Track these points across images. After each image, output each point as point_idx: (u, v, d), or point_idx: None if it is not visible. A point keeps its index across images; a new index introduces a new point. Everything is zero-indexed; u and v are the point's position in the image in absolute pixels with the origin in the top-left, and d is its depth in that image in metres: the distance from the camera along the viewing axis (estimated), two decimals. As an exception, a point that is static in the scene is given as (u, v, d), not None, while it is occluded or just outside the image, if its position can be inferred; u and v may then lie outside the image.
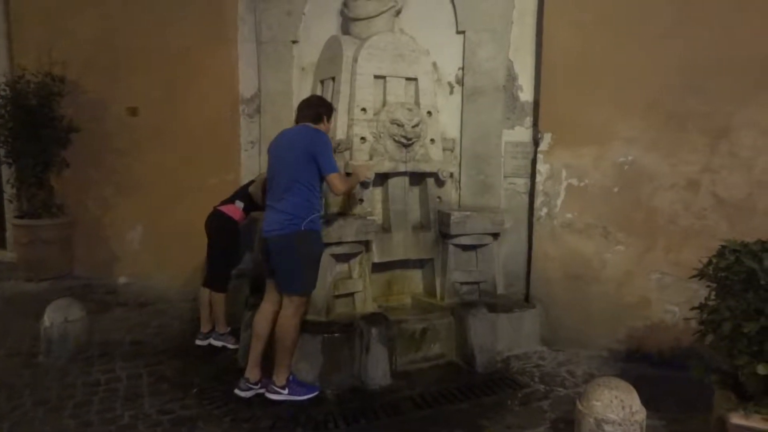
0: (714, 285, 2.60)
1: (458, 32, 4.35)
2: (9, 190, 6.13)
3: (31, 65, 5.67)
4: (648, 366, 3.74)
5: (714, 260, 2.56)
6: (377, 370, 3.42)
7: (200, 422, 3.04)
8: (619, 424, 2.46)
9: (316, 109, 3.38)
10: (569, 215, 4.03)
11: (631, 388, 2.58)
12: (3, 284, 5.63)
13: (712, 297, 2.60)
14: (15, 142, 5.60)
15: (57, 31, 5.81)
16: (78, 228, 5.95)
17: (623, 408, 2.48)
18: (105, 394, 3.34)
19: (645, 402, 2.60)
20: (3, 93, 5.57)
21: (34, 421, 3.02)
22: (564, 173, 4.01)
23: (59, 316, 3.83)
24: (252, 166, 5.02)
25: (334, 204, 4.02)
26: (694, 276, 2.64)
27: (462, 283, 4.16)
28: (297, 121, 3.41)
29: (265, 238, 3.26)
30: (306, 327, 3.54)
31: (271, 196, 3.27)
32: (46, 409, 3.14)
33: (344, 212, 4.01)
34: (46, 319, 3.82)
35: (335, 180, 3.21)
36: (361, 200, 4.06)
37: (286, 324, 3.23)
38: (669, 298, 3.75)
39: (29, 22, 6.04)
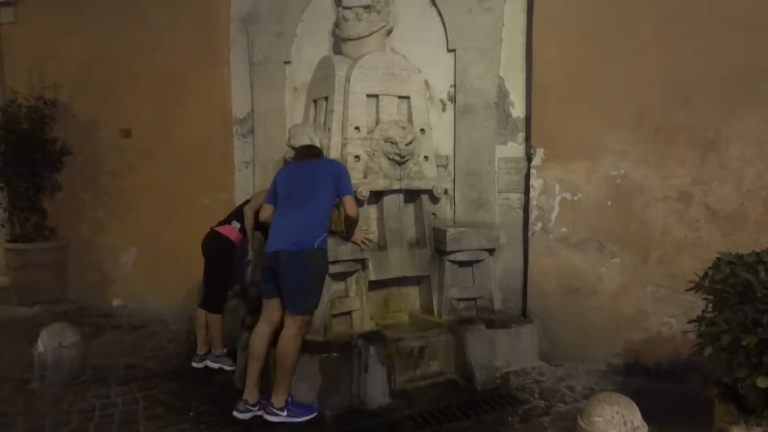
0: (711, 297, 2.61)
1: (449, 50, 4.40)
2: (1, 214, 6.07)
3: (23, 89, 5.67)
4: (646, 379, 3.74)
5: (710, 272, 2.58)
6: (376, 389, 3.39)
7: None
8: (621, 440, 2.45)
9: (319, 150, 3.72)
10: (564, 229, 4.05)
11: (632, 403, 2.57)
12: (-5, 309, 5.55)
13: (709, 309, 2.61)
14: (7, 167, 5.57)
15: (48, 54, 5.82)
16: (71, 251, 5.91)
17: (625, 424, 2.48)
18: (100, 420, 3.29)
19: (645, 416, 2.59)
20: (-5, 117, 5.56)
21: (27, 450, 2.97)
22: (557, 187, 4.04)
23: (53, 341, 3.78)
24: (246, 186, 5.02)
25: (331, 223, 4.01)
26: (690, 289, 2.66)
27: (459, 300, 4.16)
28: (302, 159, 3.58)
29: (274, 253, 3.23)
30: (304, 347, 3.51)
31: (282, 213, 3.31)
32: (40, 438, 3.10)
33: (338, 231, 4.00)
34: (40, 344, 3.77)
35: (350, 201, 3.42)
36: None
37: (288, 344, 3.20)
38: (665, 311, 3.77)
39: (20, 46, 6.04)
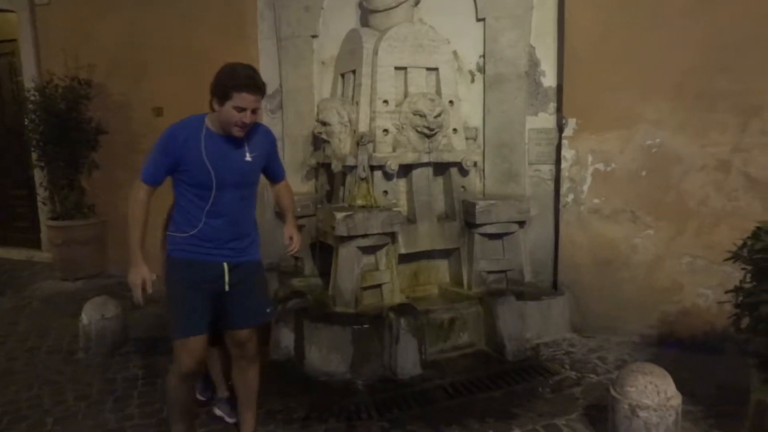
0: (749, 267, 2.56)
1: (478, 20, 4.31)
2: (42, 193, 6.29)
3: (59, 70, 5.79)
4: (681, 351, 3.69)
5: (749, 242, 2.52)
6: (407, 360, 3.45)
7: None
8: (655, 410, 2.45)
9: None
10: (596, 201, 3.98)
11: (666, 373, 2.57)
12: (40, 284, 5.80)
13: (748, 279, 2.55)
14: (46, 146, 5.73)
15: (82, 35, 5.92)
16: (110, 227, 6.09)
17: (658, 393, 2.47)
18: (144, 389, 3.43)
19: (679, 387, 2.58)
20: (33, 98, 5.70)
21: (76, 416, 3.12)
22: (590, 158, 3.97)
23: (96, 314, 3.94)
24: (276, 161, 5.06)
25: (360, 197, 4.04)
26: (728, 259, 2.60)
27: (489, 272, 4.16)
28: None
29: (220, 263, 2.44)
30: (335, 319, 3.60)
31: (212, 210, 2.38)
32: (88, 404, 3.25)
33: (368, 205, 4.03)
34: (84, 317, 3.94)
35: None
36: (386, 192, 4.07)
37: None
38: (701, 282, 3.70)
39: (55, 28, 6.16)
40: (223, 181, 2.33)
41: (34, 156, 5.97)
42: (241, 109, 2.23)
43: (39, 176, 6.27)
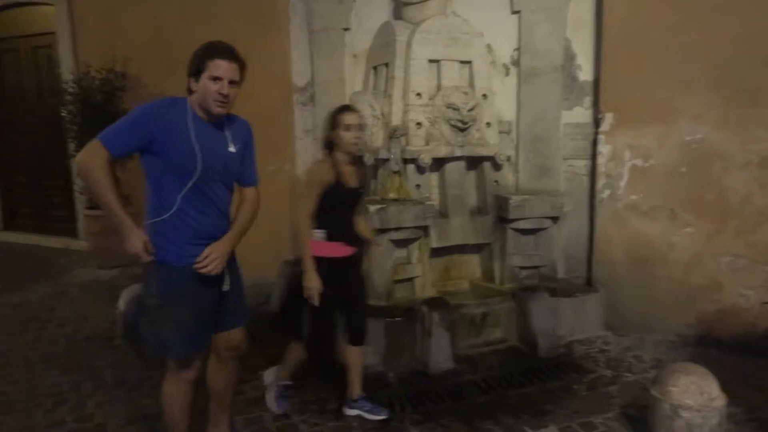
0: (798, 267, 2.49)
1: (513, 12, 4.25)
2: (79, 183, 6.43)
3: (95, 62, 5.90)
4: (720, 351, 3.62)
5: (799, 241, 2.44)
6: (439, 353, 3.45)
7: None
8: (698, 411, 2.41)
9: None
10: (633, 197, 3.91)
11: (709, 373, 2.52)
12: (77, 272, 5.94)
13: (796, 279, 2.48)
14: (83, 137, 5.85)
15: (116, 29, 6.02)
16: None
17: (701, 394, 2.43)
18: None
19: (721, 387, 2.53)
20: (71, 90, 5.82)
21: (116, 401, 3.20)
22: (627, 154, 3.90)
23: (134, 301, 4.01)
24: (306, 154, 5.08)
25: (392, 190, 4.04)
26: (776, 258, 2.53)
27: (521, 268, 4.12)
28: None
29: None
30: (369, 312, 3.59)
31: (201, 199, 2.22)
32: (126, 389, 3.33)
33: (400, 198, 4.02)
34: (121, 304, 4.02)
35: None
36: (418, 186, 4.06)
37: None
38: (743, 282, 3.61)
39: (91, 22, 6.27)
40: (210, 168, 2.15)
41: (71, 147, 6.09)
42: (217, 78, 2.08)
43: (77, 167, 6.41)
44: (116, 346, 3.96)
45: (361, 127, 2.80)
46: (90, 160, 2.08)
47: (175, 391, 2.32)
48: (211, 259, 2.16)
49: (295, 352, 3.02)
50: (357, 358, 3.03)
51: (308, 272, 2.71)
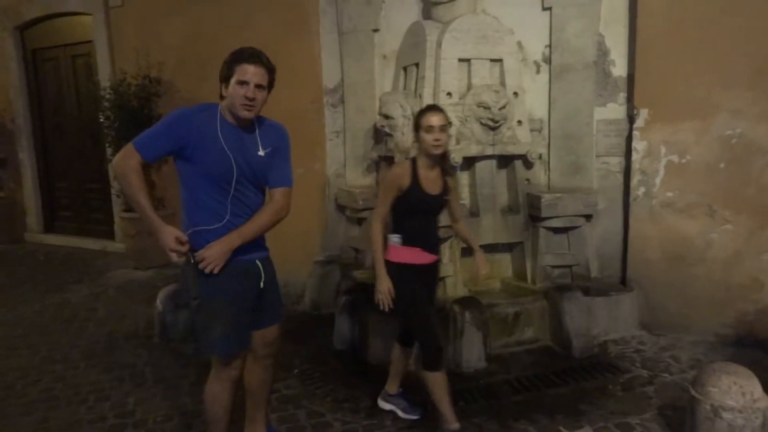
0: None
1: (544, 9, 4.21)
2: (116, 186, 6.62)
3: (131, 69, 6.06)
4: (761, 352, 3.51)
5: None
6: (472, 353, 3.44)
7: (304, 401, 3.20)
8: (740, 412, 2.35)
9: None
10: (669, 194, 3.83)
11: (751, 374, 2.45)
12: (115, 272, 6.12)
13: None
14: (120, 142, 6.02)
15: (151, 35, 6.18)
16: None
17: (743, 395, 2.36)
18: None
19: (762, 389, 2.46)
20: (108, 96, 6.00)
21: (155, 398, 3.29)
22: (663, 150, 3.82)
23: (170, 302, 4.12)
24: (337, 155, 5.13)
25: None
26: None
27: (554, 267, 4.08)
28: None
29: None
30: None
31: (238, 205, 2.27)
32: (165, 387, 3.42)
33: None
34: (159, 304, 4.13)
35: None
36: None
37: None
38: (785, 280, 3.50)
39: (127, 28, 6.46)
40: (242, 173, 2.21)
41: (108, 151, 6.28)
42: (244, 83, 2.13)
43: (113, 170, 6.60)
44: (154, 344, 4.07)
45: (443, 128, 2.58)
46: (124, 162, 2.17)
47: (218, 389, 2.36)
48: (208, 256, 2.17)
49: (399, 362, 3.01)
50: (406, 358, 3.03)
51: (378, 276, 2.64)
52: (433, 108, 2.70)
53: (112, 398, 3.29)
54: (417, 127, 2.64)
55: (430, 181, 2.66)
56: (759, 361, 3.27)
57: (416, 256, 2.70)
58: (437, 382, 2.65)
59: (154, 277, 5.84)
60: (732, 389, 2.38)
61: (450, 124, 2.71)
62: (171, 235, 2.17)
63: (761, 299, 3.61)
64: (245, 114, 2.18)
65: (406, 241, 2.68)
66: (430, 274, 2.80)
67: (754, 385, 2.40)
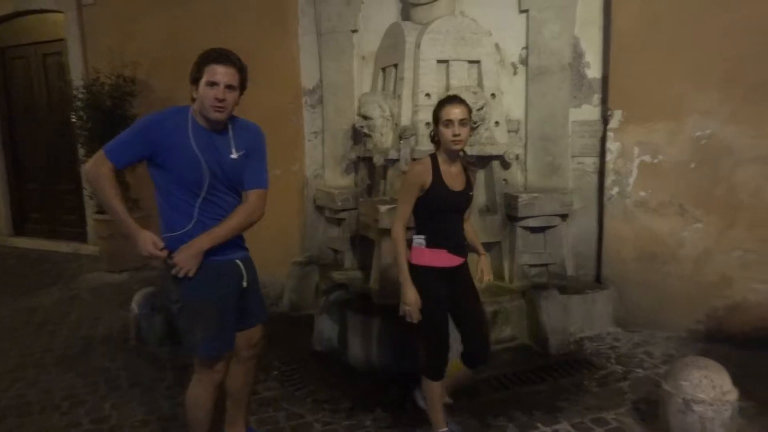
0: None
1: (521, 11, 4.27)
2: (89, 187, 6.49)
3: (105, 68, 5.96)
4: (730, 347, 3.60)
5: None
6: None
7: (284, 402, 3.18)
8: (710, 404, 2.42)
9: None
10: (642, 193, 3.92)
11: (721, 367, 2.53)
12: (87, 275, 6.00)
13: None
14: (93, 142, 5.91)
15: (126, 34, 6.08)
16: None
17: (714, 388, 2.44)
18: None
19: (732, 382, 2.53)
20: (81, 96, 5.88)
21: (131, 403, 3.23)
22: (636, 150, 3.91)
23: (146, 305, 4.06)
24: (316, 156, 5.13)
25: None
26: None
27: (531, 266, 4.14)
28: None
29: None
30: (379, 311, 3.63)
31: (211, 208, 2.24)
32: (142, 391, 3.36)
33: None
34: (134, 307, 4.06)
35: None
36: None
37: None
38: (753, 276, 3.61)
39: (101, 27, 6.34)
40: (215, 176, 2.17)
41: (81, 152, 6.16)
42: (213, 84, 2.09)
43: (84, 177, 6.47)
44: (130, 348, 4.00)
45: (463, 122, 2.38)
46: (96, 170, 2.15)
47: (200, 392, 2.33)
48: (177, 264, 2.15)
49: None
50: (464, 375, 2.74)
51: (404, 286, 2.44)
52: (453, 99, 2.46)
53: (86, 404, 3.23)
54: (436, 120, 2.45)
55: (453, 176, 2.48)
56: (728, 356, 3.35)
57: (441, 259, 2.50)
58: (435, 390, 2.58)
59: (129, 279, 5.74)
60: (703, 383, 2.45)
61: (471, 116, 2.46)
62: (148, 239, 2.16)
63: (730, 296, 3.71)
64: (216, 116, 2.14)
65: (430, 243, 2.49)
66: (456, 277, 2.57)
67: (724, 379, 2.48)
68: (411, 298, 2.44)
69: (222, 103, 2.12)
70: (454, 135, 2.37)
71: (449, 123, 2.37)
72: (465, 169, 2.57)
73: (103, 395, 3.32)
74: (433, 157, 2.50)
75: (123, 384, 3.46)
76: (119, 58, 5.96)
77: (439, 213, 2.49)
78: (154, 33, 5.87)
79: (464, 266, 2.61)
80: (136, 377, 3.54)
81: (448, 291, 2.53)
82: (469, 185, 2.55)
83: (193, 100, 2.18)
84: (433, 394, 2.58)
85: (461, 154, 2.54)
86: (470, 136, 2.54)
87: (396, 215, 2.53)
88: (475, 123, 3.99)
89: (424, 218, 2.52)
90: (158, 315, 4.04)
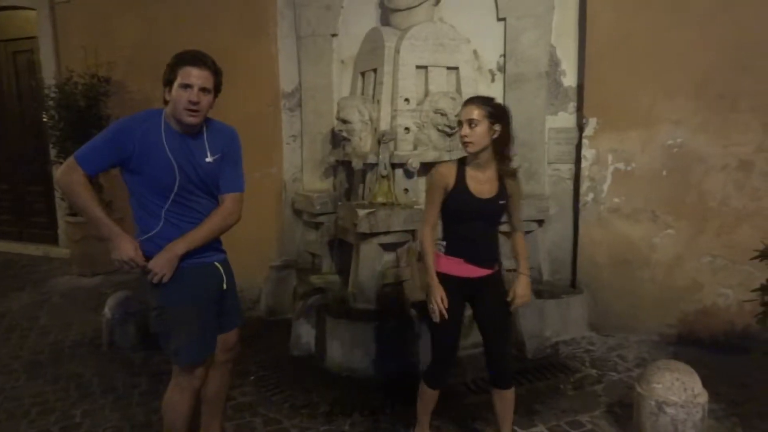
0: (777, 266, 2.57)
1: (499, 19, 4.32)
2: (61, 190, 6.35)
3: (78, 67, 5.83)
4: (700, 350, 3.70)
5: (778, 241, 2.53)
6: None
7: (260, 408, 3.16)
8: (682, 407, 2.47)
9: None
10: (616, 200, 4.00)
11: (692, 370, 2.59)
12: (59, 279, 5.85)
13: (775, 278, 2.57)
14: (65, 143, 5.78)
15: (101, 33, 5.96)
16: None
17: (685, 390, 2.49)
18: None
19: (702, 385, 2.60)
20: (53, 95, 5.76)
21: (103, 410, 3.17)
22: (610, 158, 3.99)
23: (119, 309, 3.99)
24: (294, 159, 5.10)
25: (380, 194, 4.07)
26: (755, 257, 2.62)
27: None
28: None
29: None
30: (357, 315, 3.63)
31: (187, 213, 2.23)
32: (115, 397, 3.30)
33: (388, 202, 4.05)
34: (107, 312, 3.99)
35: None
36: (406, 190, 4.10)
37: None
38: (722, 281, 3.71)
39: (74, 25, 6.21)
40: (189, 181, 2.15)
41: (53, 152, 6.02)
42: (187, 86, 2.06)
43: (57, 186, 6.32)
44: (102, 353, 3.92)
45: (471, 123, 2.28)
46: (68, 178, 2.09)
47: (178, 399, 2.29)
48: (154, 267, 2.13)
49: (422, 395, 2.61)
50: (501, 403, 2.55)
51: (430, 285, 2.38)
52: (468, 100, 2.41)
53: (57, 411, 3.15)
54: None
55: (480, 182, 2.34)
56: (699, 358, 3.44)
57: (458, 268, 2.40)
58: (428, 396, 2.56)
59: (102, 283, 5.62)
60: (675, 385, 2.50)
61: (491, 117, 2.32)
62: (131, 245, 2.13)
63: (700, 300, 3.81)
64: (190, 120, 2.11)
65: (450, 250, 2.40)
66: (482, 290, 2.46)
67: (695, 381, 2.54)
68: (437, 294, 2.35)
69: (195, 107, 2.08)
70: (463, 135, 2.32)
71: (461, 123, 2.35)
72: (502, 177, 2.40)
73: (74, 402, 3.25)
74: (462, 161, 2.42)
75: (95, 390, 3.39)
76: (93, 57, 5.84)
77: (460, 219, 2.39)
78: (130, 33, 5.77)
79: (492, 279, 2.48)
80: (108, 383, 3.47)
81: (468, 302, 2.46)
82: (501, 193, 2.38)
83: (166, 102, 2.15)
84: (426, 398, 2.57)
85: (504, 161, 2.39)
86: (493, 138, 2.34)
87: (423, 218, 2.48)
88: (453, 128, 4.03)
89: (447, 223, 2.44)
90: (132, 319, 3.97)
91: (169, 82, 2.11)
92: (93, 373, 3.62)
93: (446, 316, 2.35)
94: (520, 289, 2.46)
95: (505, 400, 2.53)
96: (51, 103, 5.77)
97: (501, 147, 2.35)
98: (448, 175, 2.38)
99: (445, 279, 2.40)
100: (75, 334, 4.32)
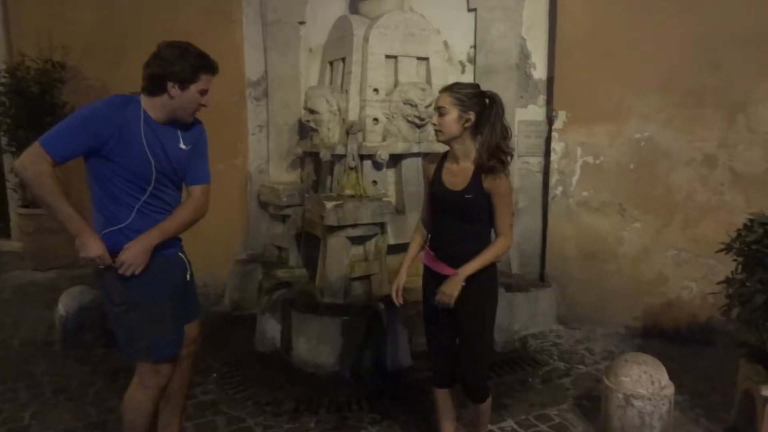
0: (740, 259, 2.59)
1: (469, 10, 4.29)
2: (12, 179, 6.04)
3: (31, 51, 5.56)
4: (665, 342, 3.76)
5: (742, 234, 2.55)
6: (398, 351, 3.42)
7: (223, 406, 3.05)
8: (649, 399, 2.48)
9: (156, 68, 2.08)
10: (585, 193, 4.02)
11: (659, 363, 2.60)
12: (10, 274, 5.57)
13: (739, 271, 2.59)
14: (17, 131, 5.50)
15: (56, 16, 5.68)
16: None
17: (652, 383, 2.50)
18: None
19: (669, 376, 2.61)
20: (3, 80, 5.47)
21: (55, 410, 3.01)
22: (579, 151, 4.00)
23: (74, 304, 3.80)
24: (260, 150, 4.96)
25: (348, 186, 3.98)
26: (721, 250, 2.63)
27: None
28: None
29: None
30: (324, 310, 3.54)
31: (156, 202, 2.15)
32: (67, 397, 3.14)
33: (357, 194, 3.97)
34: (61, 307, 3.79)
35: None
36: (375, 182, 4.03)
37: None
38: (686, 274, 3.77)
39: (27, 7, 5.90)
40: (162, 170, 2.10)
41: (3, 141, 5.73)
42: (204, 92, 2.11)
43: (9, 162, 6.01)
44: (55, 352, 3.73)
45: (441, 110, 2.16)
46: (35, 169, 1.95)
47: (143, 398, 2.20)
48: (125, 259, 2.03)
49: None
50: (474, 411, 2.44)
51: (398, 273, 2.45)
52: (444, 87, 2.28)
53: (4, 412, 2.97)
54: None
55: (453, 174, 2.21)
56: (664, 350, 3.49)
57: (433, 263, 2.32)
58: (435, 395, 2.50)
59: (56, 278, 5.38)
60: (642, 378, 2.51)
61: (461, 105, 2.14)
62: (101, 244, 2.02)
63: (665, 293, 3.86)
64: (190, 119, 2.16)
65: (429, 243, 2.36)
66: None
67: (662, 374, 2.55)
68: (393, 283, 2.44)
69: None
70: (433, 123, 2.21)
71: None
72: (478, 170, 2.16)
73: (24, 403, 3.07)
74: (446, 153, 2.30)
75: (46, 391, 3.21)
76: (47, 41, 5.56)
77: (435, 212, 2.30)
78: (87, 15, 5.50)
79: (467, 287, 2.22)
80: (61, 383, 3.29)
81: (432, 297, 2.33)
82: (470, 188, 2.15)
83: (151, 92, 2.07)
84: (434, 398, 2.49)
85: (491, 154, 2.13)
86: (465, 128, 2.15)
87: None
88: (423, 120, 3.97)
89: (431, 216, 2.36)
90: (87, 316, 3.79)
91: (184, 81, 2.05)
92: (44, 372, 3.44)
93: (398, 303, 2.44)
94: (445, 286, 2.19)
95: (476, 409, 2.42)
96: (1, 88, 5.48)
97: (485, 139, 2.13)
98: (429, 167, 2.34)
99: (426, 272, 2.39)
100: (26, 331, 4.10)
